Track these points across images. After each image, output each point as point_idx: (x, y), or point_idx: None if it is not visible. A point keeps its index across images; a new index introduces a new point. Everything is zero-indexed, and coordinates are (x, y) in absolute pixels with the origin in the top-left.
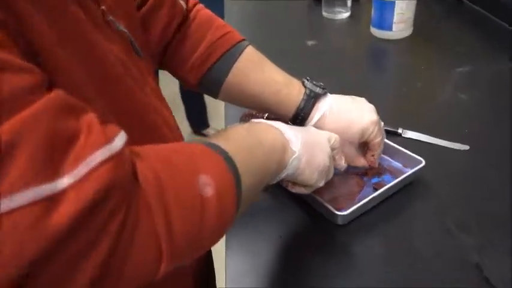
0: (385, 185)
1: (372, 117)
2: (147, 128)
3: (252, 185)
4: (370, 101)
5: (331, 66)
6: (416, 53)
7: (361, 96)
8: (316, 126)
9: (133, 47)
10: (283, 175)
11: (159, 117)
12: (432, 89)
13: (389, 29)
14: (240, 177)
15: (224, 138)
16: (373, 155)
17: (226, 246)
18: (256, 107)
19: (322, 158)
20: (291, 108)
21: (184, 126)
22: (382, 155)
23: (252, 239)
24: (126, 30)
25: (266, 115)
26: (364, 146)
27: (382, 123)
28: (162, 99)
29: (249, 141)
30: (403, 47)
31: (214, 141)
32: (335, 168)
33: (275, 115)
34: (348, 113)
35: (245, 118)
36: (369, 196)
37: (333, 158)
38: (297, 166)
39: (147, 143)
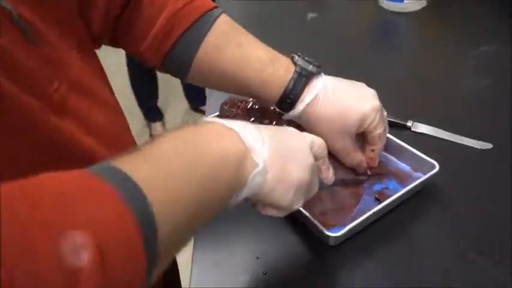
0: (389, 195)
1: (373, 103)
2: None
3: (184, 223)
4: (373, 86)
5: (331, 44)
6: (430, 28)
7: (363, 80)
8: (306, 111)
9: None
10: (242, 196)
11: (69, 123)
12: (448, 72)
13: (400, 0)
14: (153, 220)
15: (142, 157)
16: (372, 150)
17: (191, 271)
18: (234, 90)
19: (299, 171)
20: (277, 90)
21: (182, 103)
22: (387, 155)
23: (223, 261)
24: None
25: (251, 102)
26: (362, 140)
27: (386, 112)
28: (95, 91)
29: (183, 158)
30: (415, 21)
31: (122, 164)
32: (321, 182)
33: (258, 100)
34: (345, 97)
35: (225, 108)
36: (369, 210)
37: (317, 170)
38: (261, 183)
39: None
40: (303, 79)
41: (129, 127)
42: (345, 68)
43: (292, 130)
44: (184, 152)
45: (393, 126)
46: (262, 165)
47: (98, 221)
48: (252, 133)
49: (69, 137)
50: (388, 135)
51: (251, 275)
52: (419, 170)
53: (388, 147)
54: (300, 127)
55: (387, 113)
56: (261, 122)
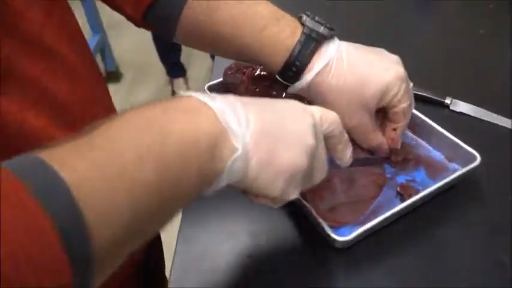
0: (415, 190)
1: (397, 71)
2: None
3: (137, 221)
4: (404, 56)
5: (349, 5)
6: None
7: (392, 48)
8: (316, 81)
9: None
10: (222, 183)
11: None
12: (497, 40)
13: None
14: (82, 225)
15: (87, 144)
16: (395, 129)
17: (171, 274)
18: (231, 54)
19: (292, 155)
20: (281, 54)
21: (206, 58)
22: (417, 139)
23: (209, 260)
24: None
25: (260, 68)
26: (382, 117)
27: (412, 83)
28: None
29: (143, 141)
30: None
31: (56, 155)
32: (335, 163)
33: (260, 65)
34: (364, 64)
35: (229, 73)
36: (388, 206)
37: (332, 149)
38: (244, 169)
39: None
40: (312, 43)
41: (109, 103)
42: (366, 35)
43: (294, 104)
44: (145, 134)
45: (427, 103)
46: (241, 149)
47: (11, 230)
48: (234, 111)
49: (8, 115)
50: (420, 115)
51: (239, 270)
52: (455, 160)
53: (419, 129)
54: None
55: (421, 88)
56: (268, 94)
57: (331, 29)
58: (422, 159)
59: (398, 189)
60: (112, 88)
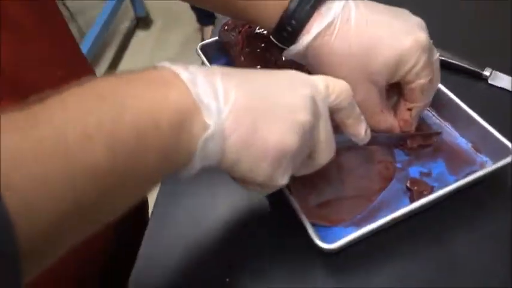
0: (428, 187)
1: (417, 37)
2: None
3: (82, 209)
4: (431, 16)
5: None
6: None
7: (418, 8)
8: (314, 45)
9: None
10: (196, 167)
11: None
12: None
13: None
14: (6, 213)
15: (26, 119)
16: (409, 109)
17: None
18: (221, 9)
19: (279, 132)
20: (274, 9)
21: None
22: (442, 121)
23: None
24: None
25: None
26: (398, 93)
27: (438, 54)
28: None
29: (92, 119)
30: None
31: None
32: (347, 141)
33: (253, 24)
34: (376, 27)
35: (225, 31)
36: (394, 204)
37: (342, 124)
38: (220, 151)
39: None
40: None
41: (80, 67)
42: None
43: (290, 74)
44: (97, 109)
45: (460, 75)
46: (214, 127)
47: None
48: (210, 82)
49: None
50: (446, 91)
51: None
52: (483, 150)
53: (444, 109)
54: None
55: (452, 54)
56: (264, 57)
57: None
58: (443, 147)
59: (409, 184)
60: (142, 34)
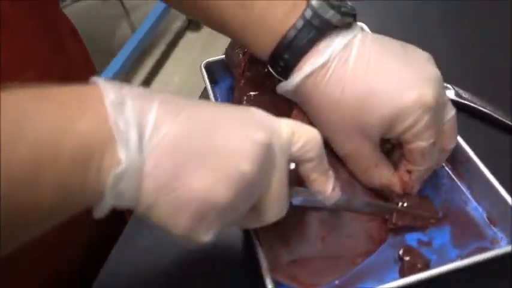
0: (424, 263)
1: (421, 95)
2: None
3: None
4: (460, 55)
5: None
6: None
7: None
8: (305, 86)
9: None
10: (107, 206)
11: None
12: None
13: None
14: None
15: None
16: (409, 171)
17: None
18: (220, 30)
19: (204, 182)
20: (269, 41)
21: None
22: (457, 181)
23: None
24: None
25: None
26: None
27: (454, 111)
28: None
29: None
30: None
31: None
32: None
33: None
34: (375, 73)
35: (231, 51)
36: (382, 273)
37: (306, 178)
38: (135, 191)
39: None
40: (312, 32)
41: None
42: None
43: (248, 113)
44: None
45: (488, 125)
46: (127, 164)
47: None
48: (139, 111)
49: None
50: (466, 146)
51: None
52: (499, 224)
53: (462, 168)
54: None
55: (478, 99)
56: (264, 84)
57: (348, 13)
58: (452, 212)
59: (401, 252)
60: (191, 36)
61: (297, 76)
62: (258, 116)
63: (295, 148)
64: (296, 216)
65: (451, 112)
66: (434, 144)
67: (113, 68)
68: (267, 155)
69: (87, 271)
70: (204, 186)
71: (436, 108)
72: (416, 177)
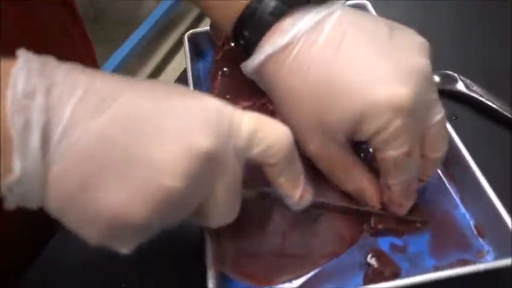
0: (393, 270)
1: (394, 92)
2: None
3: None
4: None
5: None
6: None
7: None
8: (265, 70)
9: None
10: (11, 207)
11: None
12: None
13: None
14: None
15: None
16: (389, 185)
17: None
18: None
19: (118, 199)
20: (230, 13)
21: None
22: (448, 182)
23: None
24: None
25: None
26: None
27: (442, 113)
28: None
29: None
30: None
31: None
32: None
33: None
34: (344, 60)
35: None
36: (346, 284)
37: (272, 181)
38: (38, 201)
39: None
40: (276, 5)
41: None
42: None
43: (199, 106)
44: None
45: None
46: (21, 173)
47: None
48: (50, 108)
49: None
50: (459, 143)
51: None
52: (488, 236)
53: (453, 169)
54: None
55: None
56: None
57: None
58: (435, 217)
59: (369, 257)
60: None
61: (256, 57)
62: (212, 109)
63: (254, 151)
64: (255, 207)
65: (438, 115)
66: (408, 154)
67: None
68: (209, 164)
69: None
70: (115, 202)
71: (414, 110)
72: (397, 193)
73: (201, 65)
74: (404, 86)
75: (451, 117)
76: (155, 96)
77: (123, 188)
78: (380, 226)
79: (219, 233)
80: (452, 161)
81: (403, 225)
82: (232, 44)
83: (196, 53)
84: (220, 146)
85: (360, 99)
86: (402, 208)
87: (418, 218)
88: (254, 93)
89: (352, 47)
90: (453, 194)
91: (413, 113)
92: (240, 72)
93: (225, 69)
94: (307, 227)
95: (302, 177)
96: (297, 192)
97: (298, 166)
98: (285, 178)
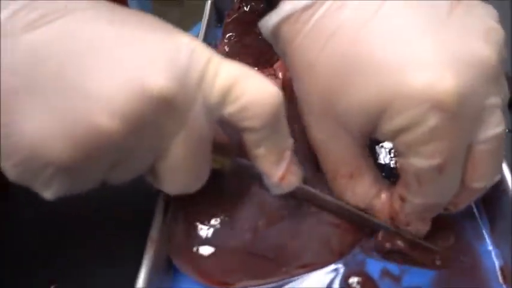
0: None
1: (440, 81)
2: None
3: None
4: None
5: None
6: None
7: None
8: (282, 33)
9: None
10: None
11: None
12: None
13: None
14: None
15: None
16: (403, 199)
17: None
18: None
19: (40, 129)
20: None
21: None
22: (477, 214)
23: None
24: None
25: None
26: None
27: (502, 126)
28: None
29: None
30: None
31: None
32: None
33: None
34: (375, 33)
35: None
36: None
37: (248, 153)
38: None
39: None
40: None
41: None
42: None
43: (174, 42)
44: None
45: None
46: None
47: None
48: None
49: None
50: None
51: None
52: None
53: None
54: None
55: None
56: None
57: None
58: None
59: (351, 279)
60: None
61: (273, 16)
62: (183, 49)
63: (228, 110)
64: (228, 184)
65: (496, 128)
66: (441, 168)
67: None
68: (163, 110)
69: None
70: (34, 132)
71: (461, 112)
72: (409, 210)
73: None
74: (452, 76)
75: None
76: (118, 21)
77: (46, 117)
78: (388, 245)
79: (178, 208)
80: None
81: (416, 250)
82: (246, 8)
83: (219, 19)
84: (183, 94)
85: (390, 82)
86: (400, 223)
87: (440, 249)
88: (260, 63)
89: (392, 17)
90: (481, 224)
91: (458, 115)
92: (249, 38)
93: (233, 33)
94: (289, 224)
95: (288, 153)
96: (278, 170)
97: (285, 138)
98: (265, 149)
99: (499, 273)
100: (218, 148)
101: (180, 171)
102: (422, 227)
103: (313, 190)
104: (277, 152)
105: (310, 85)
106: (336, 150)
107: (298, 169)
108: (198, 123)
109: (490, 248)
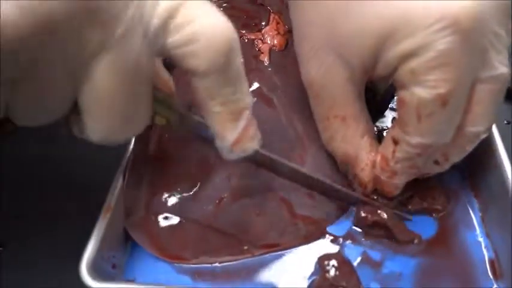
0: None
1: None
2: None
3: None
4: None
5: None
6: None
7: None
8: None
9: None
10: None
11: None
12: None
13: None
14: None
15: None
16: (395, 141)
17: None
18: None
19: None
20: None
21: None
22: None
23: None
24: None
25: None
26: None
27: (506, 68)
28: None
29: None
30: None
31: None
32: None
33: None
34: None
35: None
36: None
37: (197, 104)
38: None
39: None
40: None
41: None
42: None
43: None
44: None
45: None
46: None
47: None
48: None
49: None
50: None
51: None
52: (506, 276)
53: (477, 180)
54: None
55: None
56: None
57: None
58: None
59: (327, 262)
60: None
61: None
62: None
63: (170, 40)
64: (192, 157)
65: (502, 68)
66: (445, 100)
67: None
68: (80, 11)
69: None
70: None
71: (474, 38)
72: (401, 154)
73: None
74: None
75: None
76: None
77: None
78: (370, 217)
79: (139, 175)
80: (484, 167)
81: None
82: None
83: None
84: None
85: (397, 5)
86: (391, 189)
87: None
88: (248, 27)
89: None
90: (471, 211)
91: (470, 39)
92: (237, 1)
93: None
94: (253, 200)
95: (246, 113)
96: (233, 132)
97: (243, 95)
98: (218, 103)
99: (488, 266)
100: (163, 99)
101: (103, 105)
102: (402, 182)
103: (279, 159)
104: (232, 110)
105: (313, 12)
106: (332, 87)
107: (257, 134)
108: (131, 48)
109: (480, 237)
